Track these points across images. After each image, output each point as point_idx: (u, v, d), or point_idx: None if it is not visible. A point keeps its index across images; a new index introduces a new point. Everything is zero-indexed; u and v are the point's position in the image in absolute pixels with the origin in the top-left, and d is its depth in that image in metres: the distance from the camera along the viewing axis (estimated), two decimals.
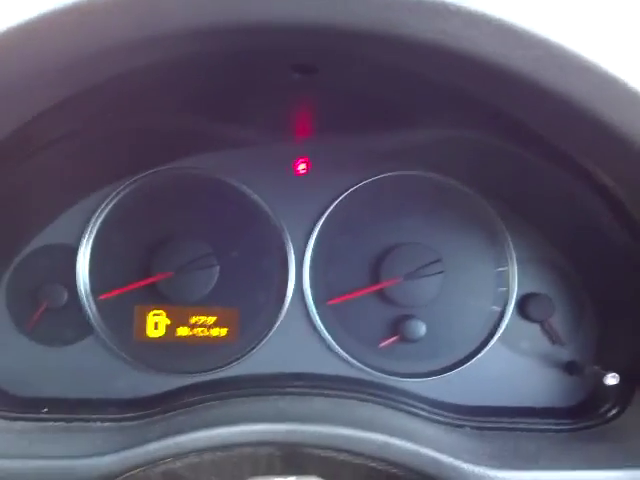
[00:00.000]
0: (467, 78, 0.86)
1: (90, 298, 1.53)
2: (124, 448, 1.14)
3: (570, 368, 1.53)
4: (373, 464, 1.16)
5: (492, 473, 1.09)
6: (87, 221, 1.54)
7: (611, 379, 1.33)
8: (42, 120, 0.99)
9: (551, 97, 0.80)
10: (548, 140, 1.03)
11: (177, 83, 1.09)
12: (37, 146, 1.16)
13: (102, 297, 1.53)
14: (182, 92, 1.19)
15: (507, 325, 1.54)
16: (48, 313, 1.52)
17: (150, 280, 1.51)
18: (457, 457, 1.11)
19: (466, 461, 1.11)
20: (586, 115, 0.81)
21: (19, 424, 1.36)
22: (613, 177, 1.04)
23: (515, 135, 1.20)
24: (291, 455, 1.18)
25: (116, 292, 1.51)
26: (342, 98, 1.26)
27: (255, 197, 1.56)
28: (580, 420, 1.42)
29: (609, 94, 0.80)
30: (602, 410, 1.42)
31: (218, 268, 1.53)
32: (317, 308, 1.55)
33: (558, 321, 1.55)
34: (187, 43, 0.81)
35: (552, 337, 1.55)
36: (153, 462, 1.13)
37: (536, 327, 1.56)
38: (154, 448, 1.13)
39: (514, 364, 1.55)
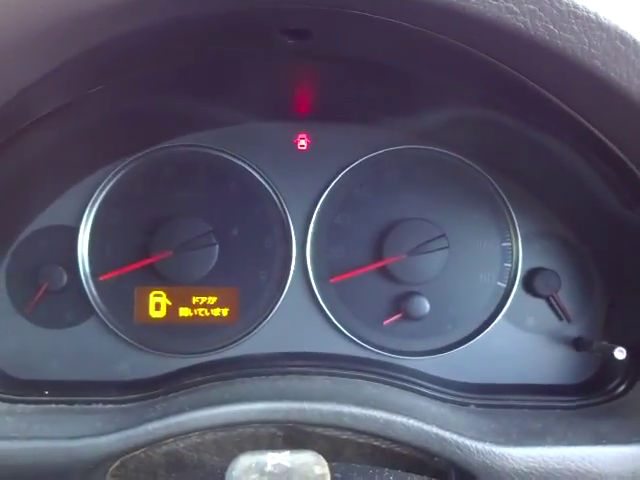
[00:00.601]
0: (464, 36, 0.83)
1: (90, 279, 1.52)
2: (124, 428, 1.12)
3: (578, 344, 1.50)
4: (377, 442, 1.15)
5: (498, 450, 1.07)
6: (86, 202, 1.52)
7: (619, 353, 1.31)
8: (33, 90, 0.96)
9: (545, 52, 0.77)
10: (552, 108, 1.00)
11: (167, 56, 1.06)
12: (32, 117, 1.13)
13: (102, 278, 1.51)
14: (174, 68, 1.16)
15: (513, 301, 1.52)
16: (48, 295, 1.50)
17: (149, 260, 1.49)
18: (461, 434, 1.09)
19: (471, 438, 1.09)
20: (586, 71, 0.79)
21: (20, 407, 1.35)
22: (618, 144, 1.01)
23: (516, 107, 1.17)
24: (293, 434, 1.17)
25: (116, 273, 1.50)
26: (341, 70, 1.23)
27: (255, 174, 1.54)
28: (588, 397, 1.40)
29: (609, 47, 0.77)
30: (610, 386, 1.39)
31: (218, 247, 1.51)
32: (319, 286, 1.53)
33: (565, 296, 1.52)
34: (174, 5, 0.78)
35: (559, 313, 1.53)
36: (154, 442, 1.12)
37: (542, 303, 1.53)
38: (154, 428, 1.12)
39: (520, 341, 1.53)
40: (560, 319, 1.53)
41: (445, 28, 0.82)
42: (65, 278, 1.50)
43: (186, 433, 1.13)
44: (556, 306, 1.52)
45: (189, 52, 1.05)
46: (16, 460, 1.11)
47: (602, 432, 1.17)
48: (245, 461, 0.78)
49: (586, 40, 0.80)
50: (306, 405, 1.13)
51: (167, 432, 1.12)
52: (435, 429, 1.10)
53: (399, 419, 1.11)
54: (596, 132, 0.97)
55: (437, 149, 1.54)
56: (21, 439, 1.13)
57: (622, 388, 1.37)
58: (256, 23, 0.93)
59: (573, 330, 1.53)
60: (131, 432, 1.11)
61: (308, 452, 0.80)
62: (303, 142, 1.55)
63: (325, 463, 0.80)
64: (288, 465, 0.78)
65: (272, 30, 0.95)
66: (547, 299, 1.53)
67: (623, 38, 0.79)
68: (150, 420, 1.13)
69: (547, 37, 0.80)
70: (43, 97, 1.06)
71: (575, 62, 0.81)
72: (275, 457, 0.79)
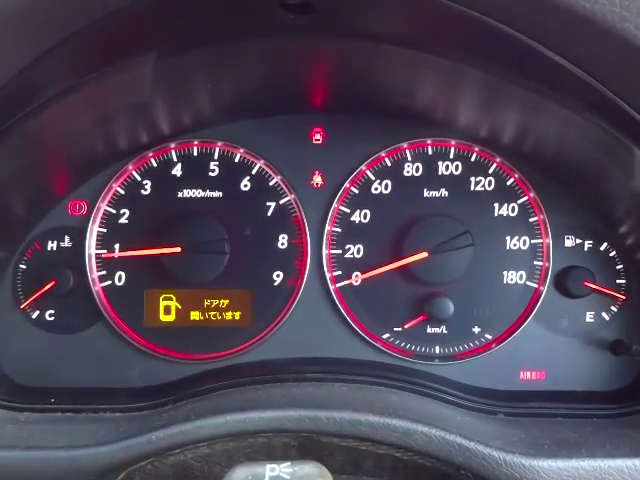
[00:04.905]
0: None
1: (98, 282, 1.47)
2: (126, 437, 1.07)
3: (615, 348, 1.44)
4: (398, 454, 1.08)
5: (527, 462, 1.01)
6: (94, 202, 1.48)
7: None
8: (31, 73, 0.92)
9: (571, 17, 0.70)
10: (578, 83, 0.91)
11: (164, 38, 1.01)
12: (33, 103, 1.08)
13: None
14: (176, 53, 1.10)
15: (544, 302, 1.45)
16: (55, 299, 1.46)
17: (158, 253, 1.43)
18: (487, 445, 1.02)
19: (498, 449, 1.02)
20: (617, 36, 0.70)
21: (24, 415, 1.32)
22: None
23: (541, 86, 1.09)
24: (308, 445, 1.11)
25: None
26: (351, 52, 1.15)
27: (268, 170, 1.48)
28: (627, 405, 1.33)
29: None
30: None
31: (229, 247, 1.45)
32: (337, 288, 1.47)
33: (601, 296, 1.45)
34: None
35: (594, 314, 1.45)
36: (158, 453, 1.08)
37: (576, 303, 1.46)
38: (157, 437, 1.07)
39: (553, 344, 1.46)
40: (596, 321, 1.45)
41: None
42: (72, 281, 1.45)
43: (192, 443, 1.08)
44: (591, 307, 1.45)
45: (189, 32, 0.99)
46: (14, 470, 1.07)
47: None
48: (241, 473, 0.71)
49: (617, 1, 0.72)
50: (320, 413, 1.08)
51: (171, 442, 1.07)
52: (459, 439, 1.03)
53: (420, 428, 1.05)
54: (625, 106, 0.88)
55: (461, 142, 1.47)
56: (19, 449, 1.10)
57: None
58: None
59: (610, 333, 1.46)
60: (133, 442, 1.07)
61: (311, 463, 0.73)
62: (318, 136, 1.49)
63: (329, 476, 0.72)
64: (287, 477, 0.70)
65: (272, 5, 0.88)
66: (581, 299, 1.45)
67: None
68: (154, 429, 1.08)
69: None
70: (41, 81, 1.01)
71: (605, 27, 0.73)
72: (274, 469, 0.72)
